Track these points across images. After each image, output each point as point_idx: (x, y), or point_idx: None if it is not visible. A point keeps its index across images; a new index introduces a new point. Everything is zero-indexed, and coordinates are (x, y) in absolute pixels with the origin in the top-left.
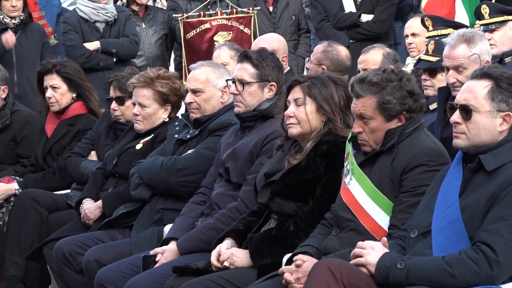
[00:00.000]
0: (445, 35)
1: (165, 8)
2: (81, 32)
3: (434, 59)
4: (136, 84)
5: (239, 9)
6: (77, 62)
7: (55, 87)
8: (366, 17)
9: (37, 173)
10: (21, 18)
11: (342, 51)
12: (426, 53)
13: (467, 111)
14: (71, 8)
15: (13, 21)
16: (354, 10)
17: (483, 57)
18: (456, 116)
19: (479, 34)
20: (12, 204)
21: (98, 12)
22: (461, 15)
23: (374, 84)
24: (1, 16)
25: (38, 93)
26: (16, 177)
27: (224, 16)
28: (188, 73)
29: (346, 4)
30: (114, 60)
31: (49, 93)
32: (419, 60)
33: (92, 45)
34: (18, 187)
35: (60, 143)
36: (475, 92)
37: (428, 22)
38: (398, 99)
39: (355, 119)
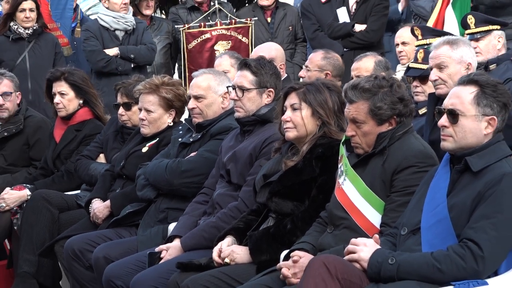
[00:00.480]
0: None
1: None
2: (102, 39)
3: (424, 66)
4: (142, 90)
5: (237, 19)
6: (97, 66)
7: (63, 94)
8: (359, 27)
9: (47, 176)
10: (34, 28)
11: (339, 58)
12: (416, 61)
13: (454, 115)
14: (93, 17)
15: (26, 31)
16: (348, 20)
17: (465, 59)
18: (443, 120)
19: (463, 40)
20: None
21: (118, 21)
22: (452, 26)
23: (366, 90)
24: (16, 26)
25: (47, 98)
26: (27, 185)
27: (223, 26)
28: (190, 80)
29: (340, 15)
30: (132, 66)
31: (57, 99)
32: (409, 68)
33: (112, 51)
34: (29, 193)
35: (68, 148)
36: (462, 98)
37: (418, 32)
38: (389, 104)
39: (349, 123)
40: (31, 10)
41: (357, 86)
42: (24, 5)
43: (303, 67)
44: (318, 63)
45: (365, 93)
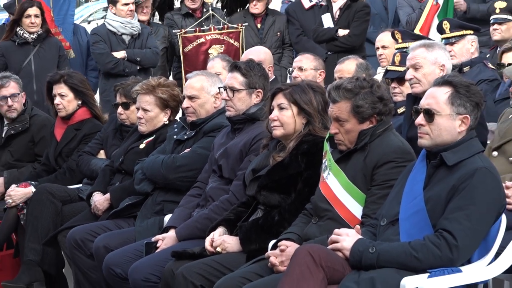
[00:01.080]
0: None
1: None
2: (109, 42)
3: (401, 69)
4: (139, 91)
5: (229, 24)
6: (106, 68)
7: (62, 95)
8: (342, 32)
9: (49, 172)
10: (39, 33)
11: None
12: (393, 64)
13: (430, 115)
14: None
15: (31, 36)
16: (332, 25)
17: (440, 60)
18: (420, 119)
19: (439, 44)
20: None
21: (125, 26)
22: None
23: (348, 90)
24: (22, 32)
25: (47, 100)
26: (32, 182)
27: (217, 31)
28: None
29: (325, 20)
30: (138, 68)
31: (57, 100)
32: (387, 70)
33: (119, 54)
34: (34, 190)
35: (69, 146)
36: (437, 98)
37: (398, 35)
38: (369, 104)
39: (332, 121)
40: (36, 16)
41: (340, 87)
42: (30, 11)
43: (293, 69)
44: (312, 64)
45: (347, 93)
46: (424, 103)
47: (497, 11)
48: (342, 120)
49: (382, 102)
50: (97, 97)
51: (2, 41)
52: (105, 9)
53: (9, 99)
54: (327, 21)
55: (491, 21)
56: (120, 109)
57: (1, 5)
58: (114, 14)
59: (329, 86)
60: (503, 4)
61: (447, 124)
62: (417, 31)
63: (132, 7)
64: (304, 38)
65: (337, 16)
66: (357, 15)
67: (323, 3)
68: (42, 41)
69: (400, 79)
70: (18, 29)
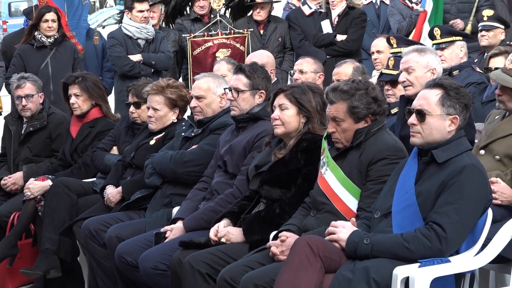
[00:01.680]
0: None
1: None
2: (125, 46)
3: (394, 72)
4: (150, 91)
5: (236, 30)
6: (122, 70)
7: (77, 95)
8: (340, 37)
9: (65, 167)
10: (55, 37)
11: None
12: (387, 67)
13: (422, 115)
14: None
15: (49, 40)
16: (331, 31)
17: (431, 65)
18: (413, 119)
19: (430, 49)
20: None
21: (141, 31)
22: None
23: (345, 92)
24: (39, 36)
25: (64, 99)
26: (49, 176)
27: (224, 36)
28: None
29: (324, 26)
30: (152, 70)
31: (72, 100)
32: (381, 73)
33: (135, 57)
34: (51, 183)
35: (84, 143)
36: (429, 99)
37: (393, 41)
38: (364, 104)
39: (330, 121)
40: (53, 20)
41: (337, 89)
42: (47, 16)
43: (295, 72)
44: (312, 67)
45: (344, 94)
46: (416, 104)
47: (485, 18)
48: (339, 120)
49: (377, 103)
50: (112, 97)
51: (21, 45)
52: (118, 15)
53: (23, 99)
54: (326, 27)
55: (479, 28)
56: (132, 108)
57: (21, 10)
58: (130, 19)
59: (327, 88)
60: (490, 12)
61: (438, 124)
62: (410, 37)
63: (147, 14)
64: (306, 42)
65: (335, 23)
66: (354, 22)
67: (322, 10)
68: (58, 45)
69: (393, 82)
70: (36, 33)
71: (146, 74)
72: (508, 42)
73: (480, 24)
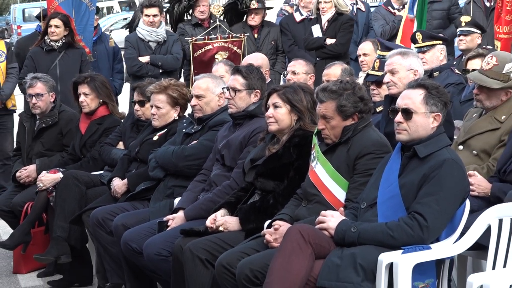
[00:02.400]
0: None
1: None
2: (138, 48)
3: (379, 73)
4: (153, 90)
5: (233, 34)
6: (131, 70)
7: (86, 94)
8: (330, 41)
9: (75, 161)
10: (63, 41)
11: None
12: (373, 69)
13: (408, 113)
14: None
15: (57, 43)
16: (321, 35)
17: (413, 67)
18: (399, 117)
19: (413, 52)
20: None
21: (151, 34)
22: None
23: (334, 92)
24: (49, 40)
25: (73, 98)
26: (60, 169)
27: (223, 39)
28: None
29: (314, 31)
30: (160, 71)
31: (81, 98)
32: (368, 74)
33: (144, 59)
34: (62, 176)
35: (92, 139)
36: (413, 98)
37: (378, 44)
38: (351, 103)
39: (319, 118)
40: (56, 26)
41: (326, 89)
42: (52, 22)
43: (288, 73)
44: (304, 68)
45: (333, 94)
46: (401, 103)
47: (463, 24)
48: (328, 118)
49: (363, 102)
50: (124, 97)
51: (33, 47)
52: (125, 19)
53: (34, 97)
54: (316, 31)
55: (458, 33)
56: (136, 106)
57: (34, 16)
58: (142, 23)
59: (317, 88)
60: (467, 19)
61: (423, 121)
62: (398, 42)
63: (152, 18)
64: (295, 47)
65: (325, 27)
66: (343, 27)
67: (312, 17)
68: (66, 48)
69: (378, 82)
70: (46, 37)
71: (153, 75)
72: (484, 46)
73: (459, 29)
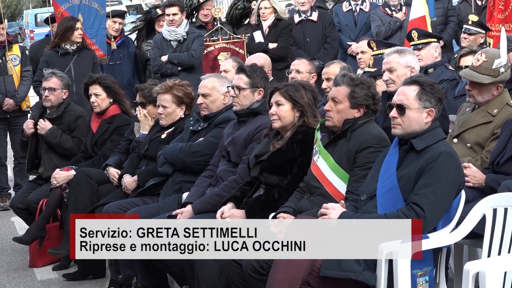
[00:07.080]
0: None
1: None
2: (161, 48)
3: (373, 69)
4: (159, 91)
5: (234, 35)
6: (153, 69)
7: (97, 94)
8: (272, 45)
9: (87, 158)
10: (78, 45)
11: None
12: (369, 66)
13: (402, 109)
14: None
15: (71, 47)
16: (262, 40)
17: (410, 64)
18: (393, 112)
19: (409, 50)
20: None
21: (170, 33)
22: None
23: (352, 79)
24: (63, 44)
25: (85, 98)
26: (73, 166)
27: (224, 41)
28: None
29: (256, 36)
30: (179, 68)
31: (92, 98)
32: (364, 72)
33: (164, 58)
34: (74, 173)
35: (103, 137)
36: (407, 95)
37: (373, 44)
38: (363, 96)
39: (329, 100)
40: (81, 28)
41: (346, 75)
42: (78, 24)
43: (291, 71)
44: (307, 67)
45: (351, 81)
46: (396, 99)
47: (470, 22)
48: (337, 101)
49: (373, 100)
50: None
51: (47, 51)
52: (132, 23)
53: (47, 90)
54: (258, 37)
55: (463, 30)
56: (139, 107)
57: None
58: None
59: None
60: (475, 18)
61: (416, 116)
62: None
63: (172, 17)
64: (293, 48)
65: (266, 33)
66: (283, 32)
67: (310, 18)
68: (79, 51)
69: (373, 77)
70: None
71: (172, 72)
72: (485, 45)
73: (465, 26)
